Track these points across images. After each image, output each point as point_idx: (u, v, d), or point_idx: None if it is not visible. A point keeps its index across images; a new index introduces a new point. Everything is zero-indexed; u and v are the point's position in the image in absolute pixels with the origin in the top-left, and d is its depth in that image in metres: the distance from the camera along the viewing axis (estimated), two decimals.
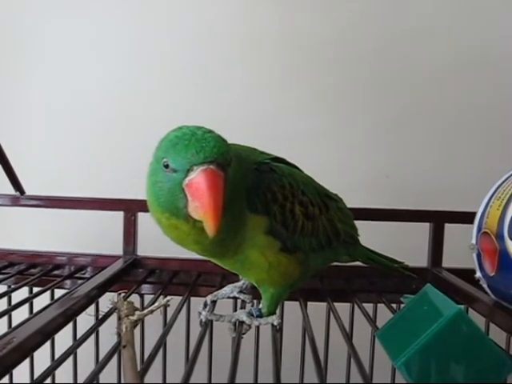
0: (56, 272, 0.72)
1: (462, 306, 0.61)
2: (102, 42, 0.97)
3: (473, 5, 0.95)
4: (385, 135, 0.93)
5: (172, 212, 0.46)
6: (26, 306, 0.62)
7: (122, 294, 0.58)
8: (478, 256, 0.58)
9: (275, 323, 0.56)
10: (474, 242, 0.59)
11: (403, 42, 0.96)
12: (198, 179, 0.43)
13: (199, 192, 0.43)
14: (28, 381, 0.67)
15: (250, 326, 0.56)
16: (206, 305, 0.61)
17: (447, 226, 0.74)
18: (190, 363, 0.44)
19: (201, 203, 0.43)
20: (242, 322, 0.56)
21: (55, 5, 0.96)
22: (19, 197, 0.76)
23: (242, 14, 0.96)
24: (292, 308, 0.67)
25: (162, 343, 0.48)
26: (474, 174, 0.71)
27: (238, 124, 0.92)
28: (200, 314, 0.58)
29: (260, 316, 0.57)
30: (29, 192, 0.77)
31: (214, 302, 0.62)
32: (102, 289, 0.60)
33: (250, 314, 0.57)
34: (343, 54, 0.96)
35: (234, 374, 0.43)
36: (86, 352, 0.61)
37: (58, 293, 0.63)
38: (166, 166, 0.45)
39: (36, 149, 0.97)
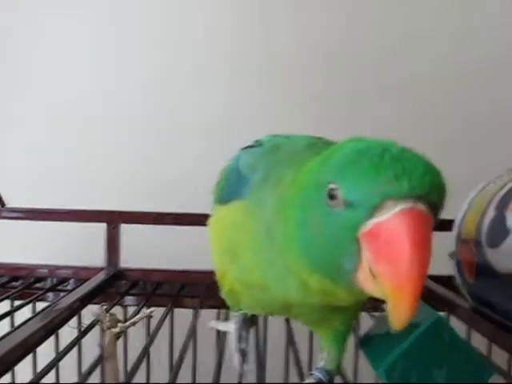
0: (38, 285, 0.72)
1: (442, 314, 0.62)
2: (91, 51, 0.97)
3: (465, 10, 0.97)
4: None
5: (329, 274, 0.29)
6: (8, 320, 0.62)
7: (105, 307, 0.58)
8: (458, 263, 0.59)
9: None
10: (453, 249, 0.60)
11: (397, 46, 0.97)
12: (393, 224, 0.25)
13: (393, 247, 0.25)
14: None
15: None
16: (244, 352, 0.46)
17: None
18: (175, 371, 0.44)
19: (393, 269, 0.25)
20: None
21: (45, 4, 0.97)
22: (1, 209, 0.75)
23: (234, 19, 0.97)
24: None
25: (145, 354, 0.48)
26: (452, 181, 0.72)
27: (226, 127, 0.93)
28: (240, 363, 0.45)
29: (330, 379, 0.41)
30: (9, 204, 0.77)
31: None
32: (85, 301, 0.60)
33: (318, 380, 0.41)
34: (335, 59, 0.97)
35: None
36: (68, 365, 0.60)
37: (40, 306, 0.63)
38: (333, 197, 0.27)
39: (16, 161, 0.96)
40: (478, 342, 0.58)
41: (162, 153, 0.95)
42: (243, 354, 0.45)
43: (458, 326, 0.61)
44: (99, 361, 0.45)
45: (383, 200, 0.26)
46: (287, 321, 0.61)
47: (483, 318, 0.56)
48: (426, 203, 0.26)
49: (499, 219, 0.51)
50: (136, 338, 0.65)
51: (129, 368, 0.48)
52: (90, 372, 0.44)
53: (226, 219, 0.38)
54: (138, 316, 0.51)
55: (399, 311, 0.26)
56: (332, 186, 0.27)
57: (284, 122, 0.93)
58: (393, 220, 0.25)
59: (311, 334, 0.68)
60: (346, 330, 0.41)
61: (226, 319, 0.61)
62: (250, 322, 0.48)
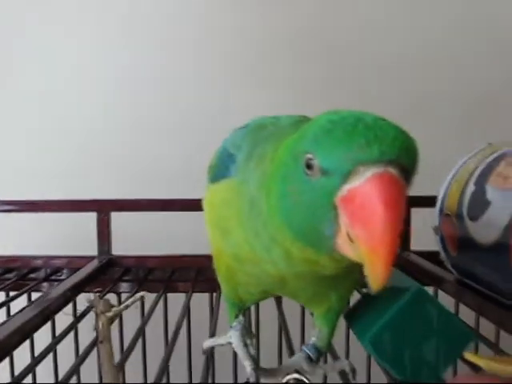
0: (32, 275, 0.73)
1: (430, 288, 0.64)
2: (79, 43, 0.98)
3: None
4: None
5: (310, 240, 0.30)
6: (3, 311, 0.63)
7: (98, 294, 0.59)
8: (442, 237, 0.61)
9: (347, 370, 0.42)
10: (436, 224, 0.62)
11: (359, 33, 0.98)
12: (366, 188, 0.26)
13: (367, 211, 0.26)
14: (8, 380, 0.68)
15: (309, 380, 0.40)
16: (253, 358, 0.44)
17: (414, 209, 0.76)
18: (169, 350, 0.45)
19: (368, 231, 0.26)
20: (299, 372, 0.41)
21: None
22: None
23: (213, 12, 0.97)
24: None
25: (139, 335, 0.50)
26: (436, 158, 0.74)
27: (214, 116, 0.94)
28: (254, 368, 0.41)
29: (318, 355, 0.42)
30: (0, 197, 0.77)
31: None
32: (78, 289, 0.61)
33: (308, 358, 0.42)
34: (305, 49, 0.98)
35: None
36: (65, 351, 0.62)
37: (35, 296, 0.64)
38: (310, 167, 0.28)
39: (5, 153, 0.97)
40: (466, 314, 0.59)
41: (151, 141, 0.96)
42: (253, 359, 0.43)
43: (445, 299, 0.63)
44: (94, 344, 0.46)
45: (355, 166, 0.26)
46: (278, 304, 0.62)
47: (467, 289, 0.57)
48: (398, 167, 0.27)
49: (479, 192, 0.53)
50: (131, 323, 0.66)
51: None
52: (86, 355, 0.45)
53: (216, 197, 0.40)
54: (130, 299, 0.51)
55: (375, 272, 0.27)
56: (308, 155, 0.28)
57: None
58: (365, 185, 0.26)
59: (303, 319, 0.70)
60: (339, 307, 0.41)
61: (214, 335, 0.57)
62: (248, 329, 0.48)
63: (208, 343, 0.47)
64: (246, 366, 0.41)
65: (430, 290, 0.65)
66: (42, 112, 0.97)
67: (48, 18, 0.97)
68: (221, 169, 0.40)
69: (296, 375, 0.39)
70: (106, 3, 0.97)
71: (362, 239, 0.26)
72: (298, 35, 0.98)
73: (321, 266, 0.32)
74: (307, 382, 0.39)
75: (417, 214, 0.75)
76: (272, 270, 0.36)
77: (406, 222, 0.76)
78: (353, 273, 0.36)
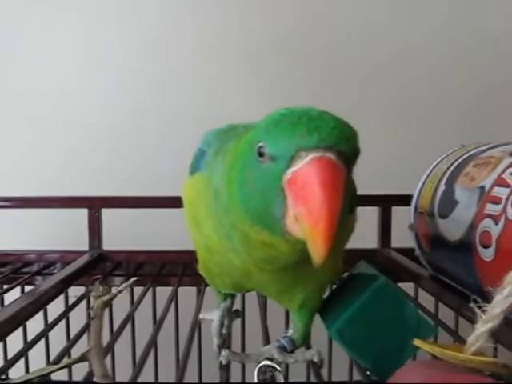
0: (25, 269, 0.75)
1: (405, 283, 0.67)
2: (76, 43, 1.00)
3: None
4: None
5: (265, 223, 0.33)
6: None
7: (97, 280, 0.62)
8: (416, 235, 0.64)
9: (316, 359, 0.43)
10: (412, 221, 0.65)
11: (345, 36, 1.01)
12: (305, 170, 0.29)
13: (306, 190, 0.29)
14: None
15: (280, 367, 0.42)
16: (224, 337, 0.48)
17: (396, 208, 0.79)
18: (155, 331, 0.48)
19: (307, 208, 0.29)
20: (271, 359, 0.42)
21: None
22: None
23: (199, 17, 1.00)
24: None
25: (128, 321, 0.53)
26: (414, 158, 0.77)
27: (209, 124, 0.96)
28: (218, 345, 0.46)
29: (293, 347, 0.44)
30: None
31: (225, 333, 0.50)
32: (69, 282, 0.64)
33: (281, 348, 0.43)
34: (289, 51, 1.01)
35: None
36: (57, 340, 0.64)
37: (28, 289, 0.66)
38: (262, 154, 0.32)
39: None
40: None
41: (142, 139, 0.99)
42: (223, 338, 0.47)
43: (422, 295, 0.66)
44: (86, 328, 0.49)
45: (298, 151, 0.30)
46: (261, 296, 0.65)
47: (442, 285, 0.60)
48: (336, 153, 0.30)
49: (449, 192, 0.56)
50: (121, 317, 0.69)
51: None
52: (77, 337, 0.48)
53: (190, 190, 0.43)
54: (123, 285, 0.53)
55: (316, 246, 0.29)
56: (260, 144, 0.32)
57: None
58: (305, 167, 0.29)
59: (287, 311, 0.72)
60: (311, 305, 0.44)
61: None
62: (233, 312, 0.51)
63: (201, 315, 0.51)
64: (214, 342, 0.45)
65: (408, 285, 0.68)
66: (36, 110, 0.99)
67: (46, 18, 0.99)
68: (195, 165, 0.44)
69: (267, 362, 0.41)
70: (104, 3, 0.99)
71: (304, 216, 0.29)
72: (292, 37, 1.00)
73: (277, 251, 0.34)
74: (278, 369, 0.41)
75: (400, 212, 0.78)
76: (237, 261, 0.39)
77: (386, 219, 0.79)
78: (318, 271, 0.38)
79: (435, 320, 0.55)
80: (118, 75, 0.99)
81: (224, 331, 0.47)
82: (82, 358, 0.39)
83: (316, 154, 0.29)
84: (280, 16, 1.00)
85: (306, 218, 0.29)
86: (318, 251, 0.29)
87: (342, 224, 0.31)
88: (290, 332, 0.45)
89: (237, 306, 0.55)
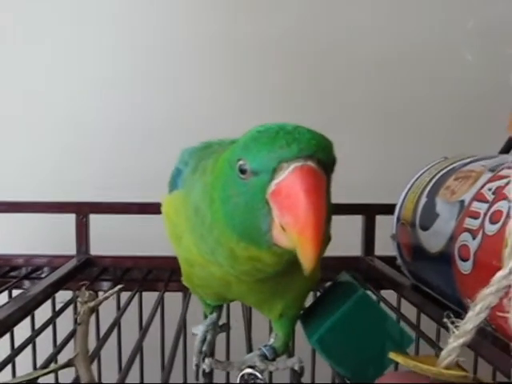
0: (13, 273, 0.75)
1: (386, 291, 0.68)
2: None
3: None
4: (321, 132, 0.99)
5: (251, 238, 0.34)
6: None
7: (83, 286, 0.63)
8: (398, 244, 0.65)
9: (296, 367, 0.44)
10: (394, 231, 0.66)
11: (340, 40, 1.02)
12: (289, 180, 0.31)
13: (291, 199, 0.30)
14: None
15: (262, 375, 0.43)
16: (204, 354, 0.47)
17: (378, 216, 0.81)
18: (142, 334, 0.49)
19: (294, 216, 0.30)
20: (253, 367, 0.44)
21: None
22: None
23: (189, 18, 1.01)
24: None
25: (114, 326, 0.53)
26: (399, 168, 0.78)
27: (195, 123, 0.97)
28: (197, 364, 0.46)
29: (275, 355, 0.45)
30: None
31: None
32: (57, 286, 0.64)
33: (263, 356, 0.44)
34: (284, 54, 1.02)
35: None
36: (44, 346, 0.65)
37: (16, 293, 0.67)
38: (243, 171, 0.33)
39: None
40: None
41: (131, 146, 0.99)
42: (202, 356, 0.47)
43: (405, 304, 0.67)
44: (73, 333, 0.50)
45: (279, 163, 0.31)
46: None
47: (417, 293, 0.62)
48: (315, 161, 0.31)
49: (430, 204, 0.57)
50: (108, 322, 0.70)
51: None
52: (65, 343, 0.49)
53: (168, 207, 0.45)
54: (109, 292, 0.54)
55: (305, 252, 0.30)
56: (240, 162, 0.33)
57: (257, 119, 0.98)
58: (288, 177, 0.31)
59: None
60: (291, 314, 0.45)
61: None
62: (219, 326, 0.52)
63: (192, 330, 0.52)
64: (193, 360, 0.46)
65: (390, 293, 0.70)
66: (25, 115, 0.99)
67: (47, 19, 1.00)
68: (172, 183, 0.46)
69: (249, 370, 0.43)
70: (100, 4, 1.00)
71: (291, 225, 0.30)
72: (287, 39, 1.01)
73: (263, 263, 0.35)
74: (260, 377, 0.43)
75: (385, 220, 0.79)
76: (217, 272, 0.40)
77: (370, 228, 0.80)
78: (298, 281, 0.41)
79: (417, 331, 0.56)
80: (106, 82, 1.00)
81: (204, 348, 0.47)
82: (69, 364, 0.40)
83: (297, 164, 0.31)
84: (274, 18, 1.01)
85: (293, 227, 0.30)
86: (307, 258, 0.30)
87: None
88: (272, 341, 0.46)
89: (222, 315, 0.56)
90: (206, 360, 0.44)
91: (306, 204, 0.29)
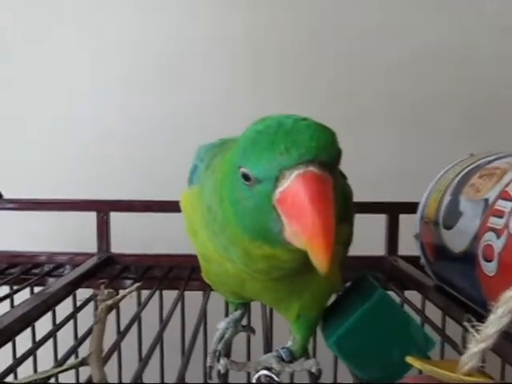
0: (35, 270, 0.76)
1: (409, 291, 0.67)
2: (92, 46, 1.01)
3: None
4: (343, 132, 0.98)
5: (264, 237, 0.33)
6: (7, 303, 0.66)
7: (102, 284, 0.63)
8: (422, 244, 0.64)
9: (313, 370, 0.43)
10: (417, 231, 0.65)
11: (360, 40, 1.01)
12: (292, 189, 0.30)
13: (297, 208, 0.30)
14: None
15: (278, 377, 0.42)
16: (218, 353, 0.46)
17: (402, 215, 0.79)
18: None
19: (301, 225, 0.30)
20: (269, 369, 0.43)
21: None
22: None
23: (212, 17, 1.00)
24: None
25: (134, 321, 0.54)
26: (424, 165, 0.76)
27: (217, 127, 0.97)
28: (210, 365, 0.45)
29: (292, 358, 0.44)
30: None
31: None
32: (77, 284, 0.65)
33: (279, 358, 0.43)
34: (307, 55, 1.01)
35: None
36: (64, 341, 0.65)
37: (38, 290, 0.67)
38: (246, 177, 0.32)
39: (13, 158, 1.00)
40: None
41: (151, 144, 1.00)
42: (218, 355, 0.46)
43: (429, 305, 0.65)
44: (91, 330, 0.50)
45: (281, 171, 0.30)
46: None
47: (442, 294, 0.60)
48: (317, 163, 0.30)
49: (454, 203, 0.56)
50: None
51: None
52: (84, 337, 0.49)
53: (185, 202, 0.45)
54: (127, 290, 0.53)
55: (318, 258, 0.30)
56: (242, 169, 0.32)
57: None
58: (291, 186, 0.30)
59: None
60: (310, 316, 0.44)
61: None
62: (240, 324, 0.51)
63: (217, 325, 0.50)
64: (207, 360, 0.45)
65: (413, 294, 0.68)
66: (52, 118, 1.01)
67: (57, 27, 1.01)
68: (190, 178, 0.46)
69: (265, 371, 0.42)
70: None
71: (299, 233, 0.30)
72: (306, 40, 1.01)
73: (279, 260, 0.35)
74: (276, 379, 0.42)
75: (409, 219, 0.77)
76: (232, 269, 0.39)
77: (394, 227, 0.79)
78: (315, 281, 0.39)
79: (441, 334, 0.55)
80: (127, 80, 1.01)
81: (219, 347, 0.47)
82: (83, 362, 0.40)
83: (299, 171, 0.30)
84: (287, 21, 1.00)
85: (301, 234, 0.30)
86: (320, 263, 0.30)
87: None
88: (289, 343, 0.45)
89: None
90: (221, 360, 0.43)
91: (312, 212, 0.29)
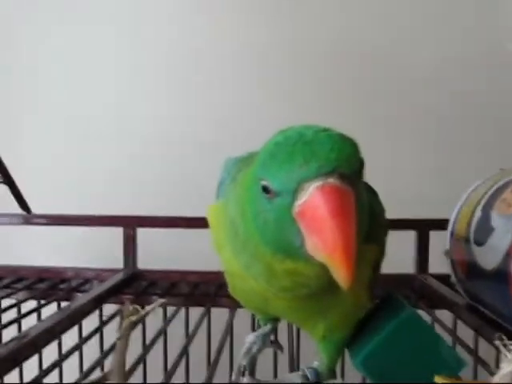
0: (62, 286, 0.77)
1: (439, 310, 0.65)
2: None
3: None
4: (371, 145, 0.97)
5: (286, 251, 0.33)
6: (35, 317, 0.67)
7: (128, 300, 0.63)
8: (452, 261, 0.62)
9: None
10: (448, 247, 0.63)
11: (390, 49, 1.00)
12: (311, 202, 0.29)
13: (316, 222, 0.29)
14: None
15: None
16: (243, 369, 0.46)
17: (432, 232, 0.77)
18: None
19: (321, 240, 0.29)
20: None
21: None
22: (28, 216, 0.81)
23: (235, 25, 1.01)
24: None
25: (159, 335, 0.55)
26: (454, 181, 0.75)
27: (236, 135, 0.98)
28: (236, 381, 0.45)
29: (317, 379, 0.43)
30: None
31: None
32: (103, 299, 0.65)
33: (305, 377, 0.43)
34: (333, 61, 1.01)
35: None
36: (90, 354, 0.65)
37: (64, 305, 0.68)
38: (266, 190, 0.31)
39: (41, 172, 1.02)
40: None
41: (179, 161, 1.00)
42: (243, 370, 0.46)
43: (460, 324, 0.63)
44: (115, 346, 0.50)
45: (299, 184, 0.30)
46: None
47: (474, 314, 0.58)
48: (337, 176, 0.29)
49: (485, 218, 0.54)
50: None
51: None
52: (106, 354, 0.50)
53: (211, 216, 0.44)
54: (151, 306, 0.53)
55: (339, 274, 0.29)
56: (263, 182, 0.31)
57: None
58: (310, 199, 0.29)
59: None
60: (336, 337, 0.42)
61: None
62: (269, 340, 0.50)
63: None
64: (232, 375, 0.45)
65: (444, 313, 0.66)
66: (81, 134, 1.03)
67: (71, 38, 1.03)
68: (217, 191, 0.45)
69: None
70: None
71: (320, 248, 0.29)
72: (335, 47, 1.01)
73: (304, 277, 0.34)
74: None
75: (439, 236, 0.75)
76: (256, 286, 0.38)
77: (424, 244, 0.77)
78: (342, 302, 0.38)
79: (473, 355, 0.53)
80: (154, 94, 1.02)
81: (245, 362, 0.46)
82: (104, 378, 0.39)
83: (318, 184, 0.29)
84: (302, 30, 1.00)
85: (322, 249, 0.29)
86: (342, 278, 0.29)
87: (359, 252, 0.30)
88: (316, 363, 0.44)
89: None
90: (245, 378, 0.43)
91: (331, 227, 0.28)
